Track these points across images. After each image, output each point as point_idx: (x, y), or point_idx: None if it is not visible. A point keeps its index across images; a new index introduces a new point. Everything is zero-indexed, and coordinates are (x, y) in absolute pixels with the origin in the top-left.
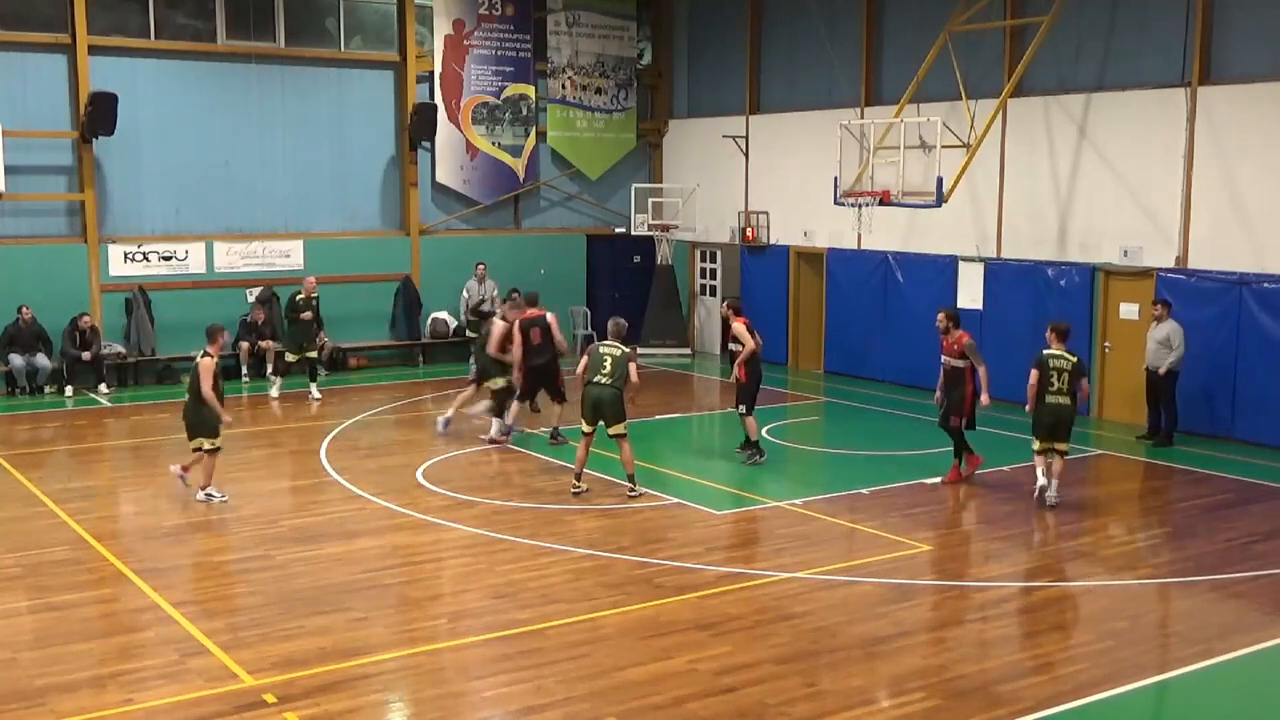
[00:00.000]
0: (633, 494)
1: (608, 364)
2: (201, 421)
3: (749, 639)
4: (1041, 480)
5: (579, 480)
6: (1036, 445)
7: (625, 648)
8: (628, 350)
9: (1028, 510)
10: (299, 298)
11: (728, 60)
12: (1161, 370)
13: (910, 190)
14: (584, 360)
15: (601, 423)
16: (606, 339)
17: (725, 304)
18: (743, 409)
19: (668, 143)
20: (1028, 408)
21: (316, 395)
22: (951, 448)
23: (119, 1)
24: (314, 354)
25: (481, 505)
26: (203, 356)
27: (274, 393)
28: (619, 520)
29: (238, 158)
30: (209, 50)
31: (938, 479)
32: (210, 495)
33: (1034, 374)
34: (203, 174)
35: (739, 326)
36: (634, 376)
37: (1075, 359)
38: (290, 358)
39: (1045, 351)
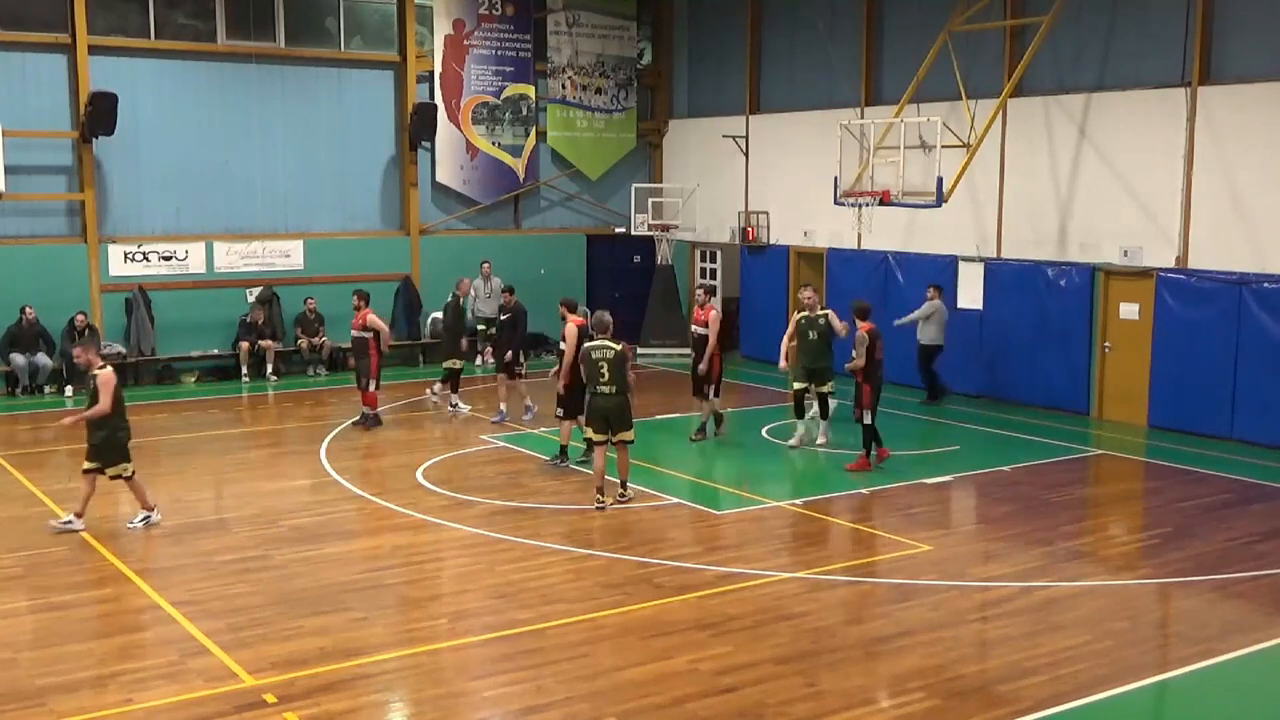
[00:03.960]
0: (622, 497)
1: (605, 370)
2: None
3: (749, 639)
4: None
5: (602, 495)
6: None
7: (625, 648)
8: (620, 349)
9: (1028, 510)
10: (463, 301)
11: (728, 60)
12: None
13: (910, 190)
14: (581, 367)
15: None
16: (595, 338)
17: (561, 303)
18: (561, 412)
19: (668, 143)
20: (782, 364)
21: (465, 407)
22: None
23: (119, 1)
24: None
25: (481, 505)
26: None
27: (465, 409)
28: (619, 520)
29: (238, 158)
30: (209, 50)
31: (943, 477)
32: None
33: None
34: (203, 174)
35: (572, 328)
36: (630, 381)
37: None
38: (455, 364)
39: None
